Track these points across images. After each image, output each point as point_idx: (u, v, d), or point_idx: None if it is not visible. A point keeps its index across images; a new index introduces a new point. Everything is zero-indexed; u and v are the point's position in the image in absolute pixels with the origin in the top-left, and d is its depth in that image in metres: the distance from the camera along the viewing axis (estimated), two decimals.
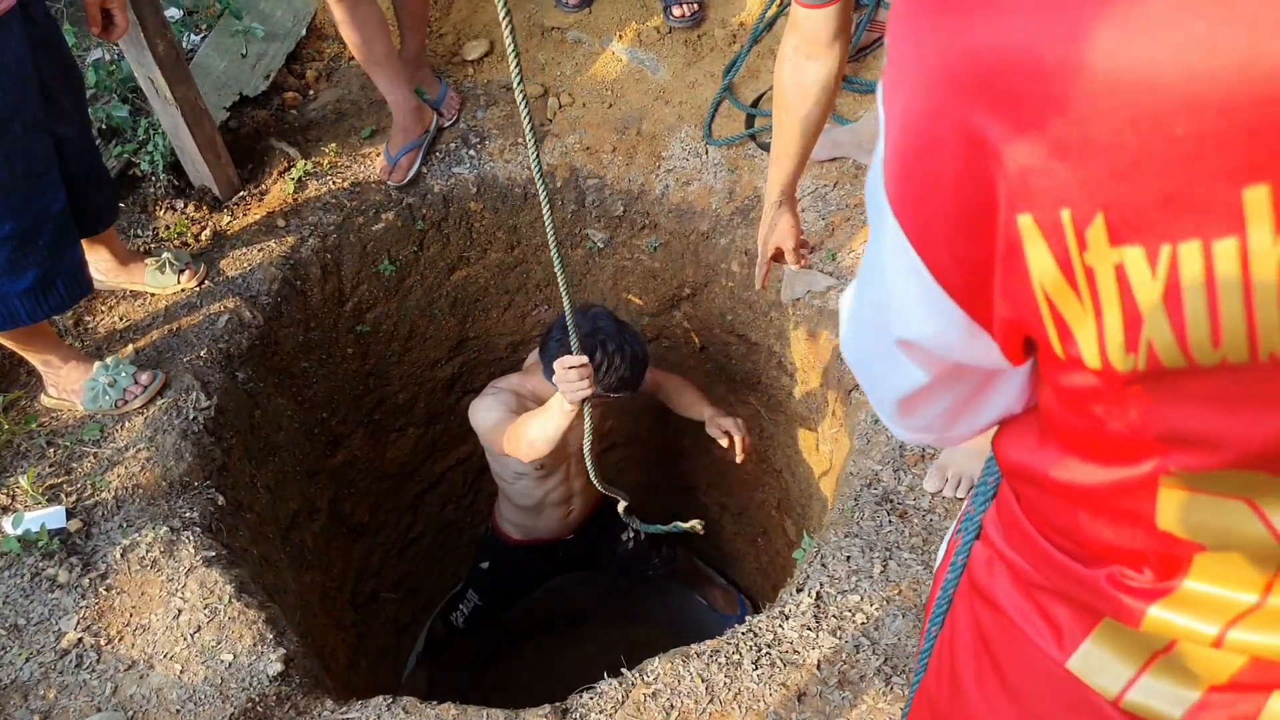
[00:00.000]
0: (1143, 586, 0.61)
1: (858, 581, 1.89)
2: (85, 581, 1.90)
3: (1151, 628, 0.62)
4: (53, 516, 1.98)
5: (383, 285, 2.85)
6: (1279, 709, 0.63)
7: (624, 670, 1.80)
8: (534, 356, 2.50)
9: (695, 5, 2.93)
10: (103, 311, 2.41)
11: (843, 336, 0.71)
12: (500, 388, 2.41)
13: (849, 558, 1.93)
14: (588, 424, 1.95)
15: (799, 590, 1.90)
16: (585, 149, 2.84)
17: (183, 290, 2.43)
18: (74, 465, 2.10)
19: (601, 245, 2.98)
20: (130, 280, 2.40)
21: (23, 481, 2.02)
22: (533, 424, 2.10)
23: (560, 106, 2.89)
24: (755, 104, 2.80)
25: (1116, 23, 0.41)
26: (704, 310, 3.03)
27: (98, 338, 2.36)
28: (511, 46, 1.09)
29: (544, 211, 1.34)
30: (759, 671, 1.76)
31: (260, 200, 2.67)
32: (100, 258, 2.32)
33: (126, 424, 2.17)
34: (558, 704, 1.77)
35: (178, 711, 1.74)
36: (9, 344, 2.10)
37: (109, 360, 2.18)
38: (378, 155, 2.76)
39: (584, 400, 1.91)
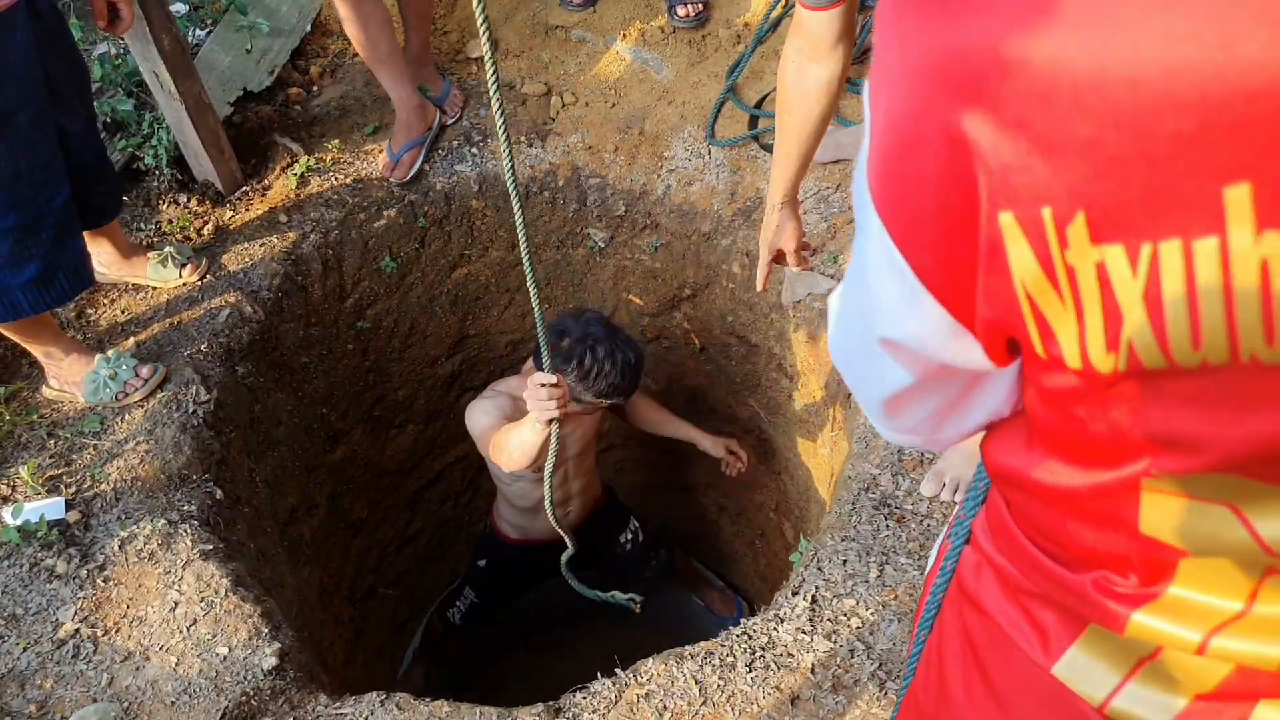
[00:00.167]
0: (1127, 592, 0.61)
1: (853, 586, 1.89)
2: (83, 573, 1.91)
3: (1135, 633, 0.62)
4: (52, 507, 1.99)
5: (384, 282, 2.85)
6: (1266, 717, 0.63)
7: (618, 670, 1.81)
8: (531, 361, 2.50)
9: (700, 5, 2.94)
10: (105, 304, 2.42)
11: (830, 337, 0.72)
12: (498, 391, 2.40)
13: (845, 562, 1.94)
14: (553, 446, 1.87)
15: (794, 593, 1.90)
16: (588, 148, 2.84)
17: (184, 284, 2.43)
18: (74, 457, 2.11)
19: (603, 245, 2.98)
20: (132, 274, 2.41)
21: (23, 472, 2.03)
22: (511, 436, 2.08)
23: (563, 105, 2.90)
24: (758, 105, 2.80)
25: (1098, 20, 0.42)
26: (704, 311, 3.03)
27: (99, 330, 2.36)
28: (488, 48, 1.09)
29: (517, 222, 1.32)
30: (753, 674, 1.77)
31: (263, 195, 2.67)
32: (103, 251, 2.33)
33: (126, 417, 2.18)
34: (551, 703, 1.77)
35: (172, 704, 1.74)
36: (11, 335, 2.10)
37: (110, 353, 2.18)
38: (380, 152, 2.76)
39: (552, 420, 1.85)
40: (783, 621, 1.85)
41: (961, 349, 0.58)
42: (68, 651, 1.81)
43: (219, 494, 2.13)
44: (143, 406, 2.19)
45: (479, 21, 1.03)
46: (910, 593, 1.89)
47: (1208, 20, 0.39)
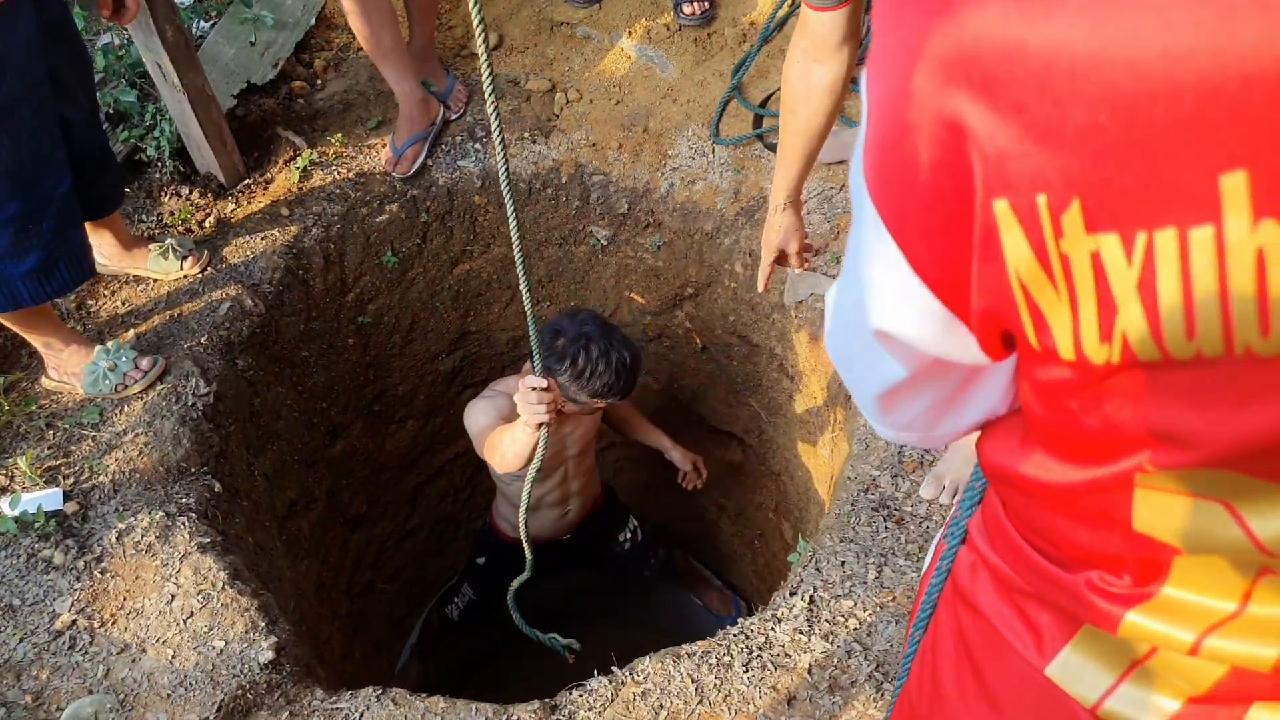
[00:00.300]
0: (1120, 592, 0.61)
1: (852, 587, 1.88)
2: (80, 564, 1.91)
3: (1129, 633, 0.61)
4: (50, 498, 1.98)
5: (385, 277, 2.85)
6: None
7: (614, 669, 1.80)
8: (529, 362, 2.50)
9: (706, 3, 2.93)
10: (105, 296, 2.41)
11: (826, 332, 0.71)
12: (497, 391, 2.39)
13: (844, 563, 1.93)
14: (540, 451, 1.85)
15: (792, 594, 1.90)
16: (591, 145, 2.83)
17: (185, 276, 2.43)
18: (72, 448, 2.11)
19: (605, 243, 2.98)
20: (133, 265, 2.41)
21: (21, 463, 2.03)
22: (505, 440, 2.07)
23: (567, 102, 2.89)
24: (763, 104, 2.80)
25: (1097, 4, 0.41)
26: (706, 311, 3.03)
27: (99, 321, 2.36)
28: (483, 47, 1.09)
29: (511, 226, 1.32)
30: (749, 674, 1.76)
31: (265, 188, 2.67)
32: (104, 242, 2.33)
33: (126, 408, 2.18)
34: (547, 700, 1.77)
35: (168, 696, 1.74)
36: (11, 325, 2.10)
37: (110, 344, 2.18)
38: (383, 146, 2.76)
39: (541, 425, 1.83)
40: (780, 622, 1.85)
41: (956, 342, 0.58)
42: (64, 643, 1.80)
43: (217, 487, 2.13)
44: (142, 398, 2.19)
45: (475, 20, 1.03)
46: (908, 594, 1.88)
47: (1207, 4, 0.39)
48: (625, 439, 2.95)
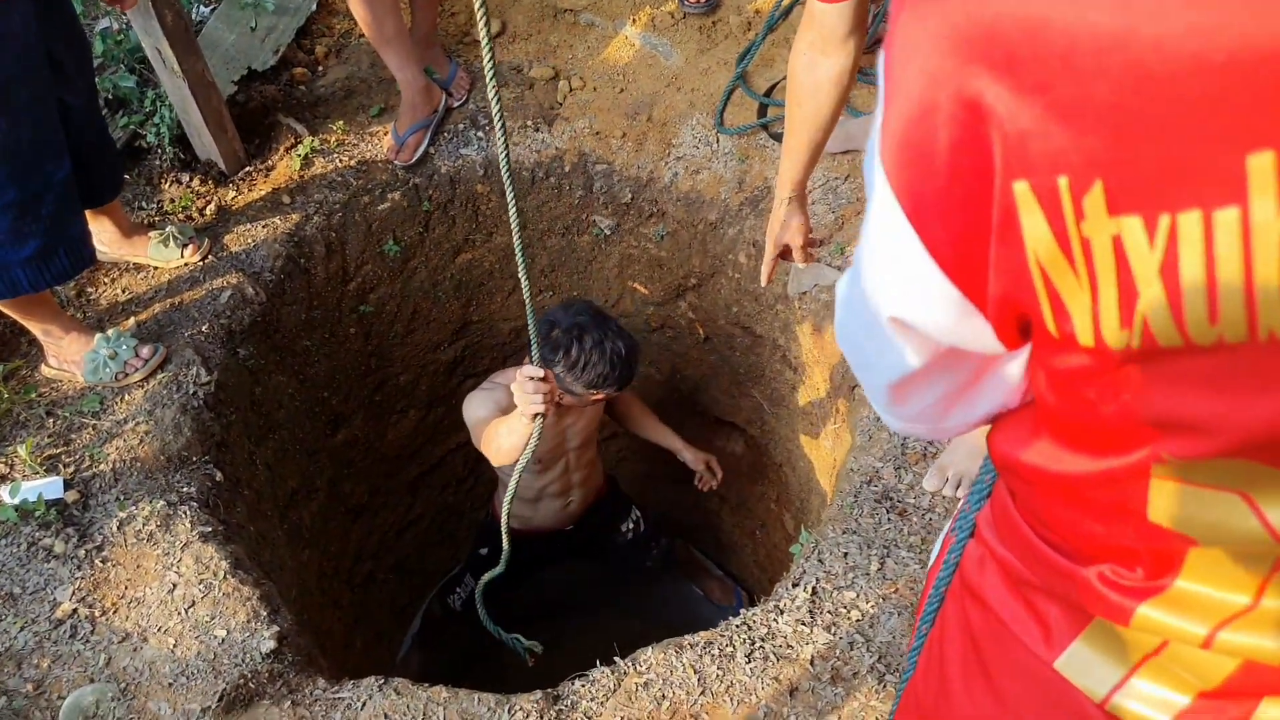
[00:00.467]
0: (1133, 585, 0.60)
1: (854, 578, 1.88)
2: (81, 553, 1.90)
3: (1141, 626, 0.61)
4: (50, 487, 1.98)
5: (387, 266, 2.84)
6: (1269, 715, 0.61)
7: (616, 659, 1.80)
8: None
9: None
10: (105, 283, 2.40)
11: (837, 320, 0.70)
12: (496, 383, 2.37)
13: (846, 554, 1.92)
14: (533, 443, 1.83)
15: (795, 585, 1.89)
16: (595, 134, 2.82)
17: (186, 264, 2.42)
18: (73, 436, 2.10)
19: (608, 232, 2.96)
20: (133, 253, 2.39)
21: (21, 451, 2.02)
22: (501, 431, 2.06)
23: (571, 90, 2.87)
24: (768, 93, 2.78)
25: None
26: (710, 301, 3.01)
27: (100, 309, 2.35)
28: (485, 34, 1.07)
29: (511, 216, 1.30)
30: (751, 665, 1.76)
31: (266, 176, 2.66)
32: (104, 229, 2.32)
33: (126, 397, 2.17)
34: (549, 690, 1.77)
35: (170, 685, 1.74)
36: (10, 313, 2.09)
37: (110, 332, 2.17)
38: (385, 134, 2.74)
39: (538, 415, 1.81)
40: (782, 613, 1.84)
41: (971, 330, 0.57)
42: (65, 631, 1.80)
43: (219, 476, 2.12)
44: (143, 387, 2.18)
45: (476, 6, 1.01)
46: (911, 586, 1.87)
47: None
48: (633, 435, 2.93)
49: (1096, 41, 0.41)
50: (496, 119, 1.18)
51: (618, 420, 2.86)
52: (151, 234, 2.39)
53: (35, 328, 2.13)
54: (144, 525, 1.96)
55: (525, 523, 2.85)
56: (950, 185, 0.50)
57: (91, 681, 1.74)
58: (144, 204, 2.55)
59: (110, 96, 2.51)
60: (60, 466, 2.04)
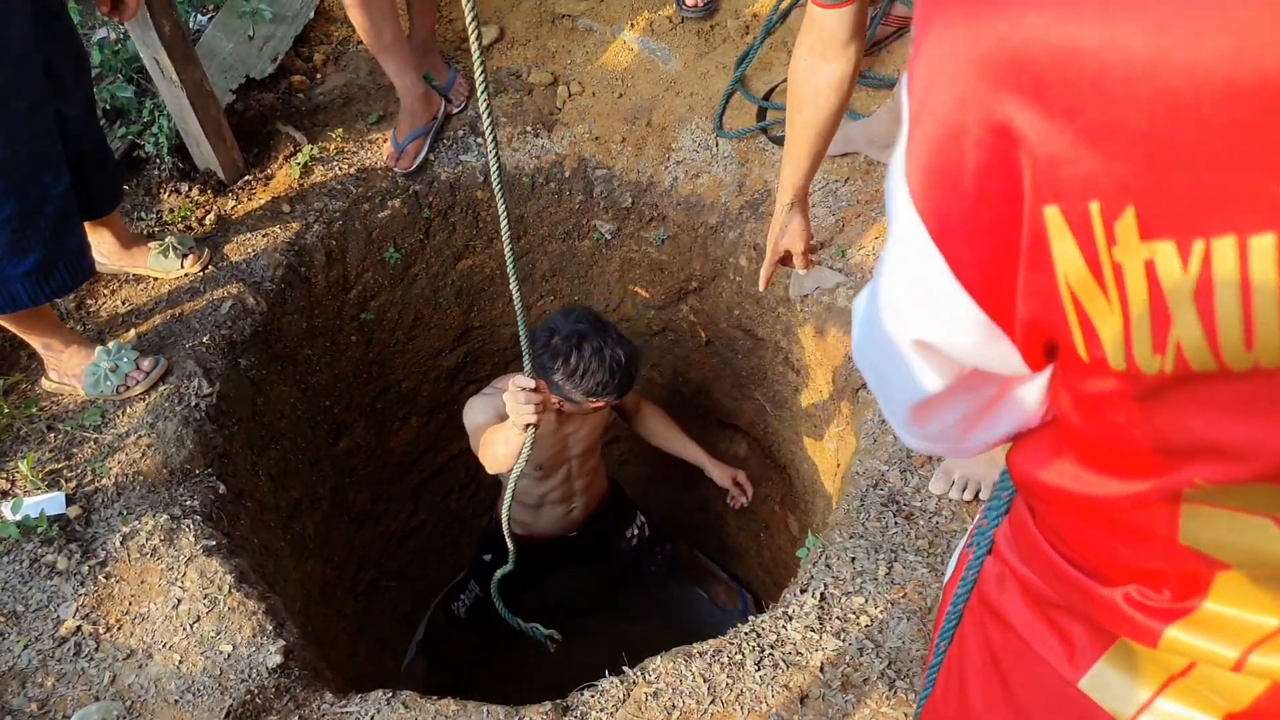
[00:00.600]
0: (1161, 606, 0.60)
1: (862, 583, 1.87)
2: (84, 569, 1.89)
3: (1169, 648, 0.60)
4: (52, 502, 1.97)
5: (387, 273, 2.83)
6: None
7: (625, 668, 1.79)
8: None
9: None
10: (105, 295, 2.39)
11: (855, 340, 0.69)
12: (497, 388, 2.36)
13: (854, 559, 1.92)
14: (525, 453, 1.84)
15: (803, 591, 1.88)
16: (594, 139, 2.81)
17: (186, 275, 2.41)
18: (74, 451, 2.09)
19: (609, 236, 2.95)
20: (133, 264, 2.38)
21: (22, 466, 2.01)
22: (497, 439, 2.05)
23: (570, 95, 2.86)
24: (767, 96, 2.77)
25: (1155, 4, 0.40)
26: (711, 304, 3.01)
27: (100, 321, 2.34)
28: (475, 38, 1.07)
29: (501, 218, 1.29)
30: (761, 672, 1.75)
31: (265, 185, 2.64)
32: (103, 240, 2.31)
33: (128, 410, 2.16)
34: (558, 701, 1.76)
35: (176, 702, 1.73)
36: (10, 327, 2.08)
37: (111, 345, 2.16)
38: (385, 141, 2.73)
39: (529, 426, 1.82)
40: (791, 619, 1.83)
41: (997, 352, 0.56)
42: (69, 649, 1.79)
43: (222, 488, 2.11)
44: (144, 399, 2.17)
45: (467, 12, 1.01)
46: (919, 591, 1.87)
47: (1271, 8, 0.37)
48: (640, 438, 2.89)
49: (1128, 67, 0.40)
50: (487, 126, 1.18)
51: (640, 433, 2.83)
52: (151, 245, 2.38)
53: (35, 341, 2.12)
54: (147, 540, 1.95)
55: (527, 529, 2.84)
56: (978, 209, 0.50)
57: (97, 700, 1.73)
58: (143, 214, 2.54)
59: (108, 106, 2.50)
60: (62, 481, 2.03)
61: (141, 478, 2.05)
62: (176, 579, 1.89)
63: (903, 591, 1.86)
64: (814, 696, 1.72)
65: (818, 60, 1.72)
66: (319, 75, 2.91)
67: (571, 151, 2.80)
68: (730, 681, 1.74)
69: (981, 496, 2.00)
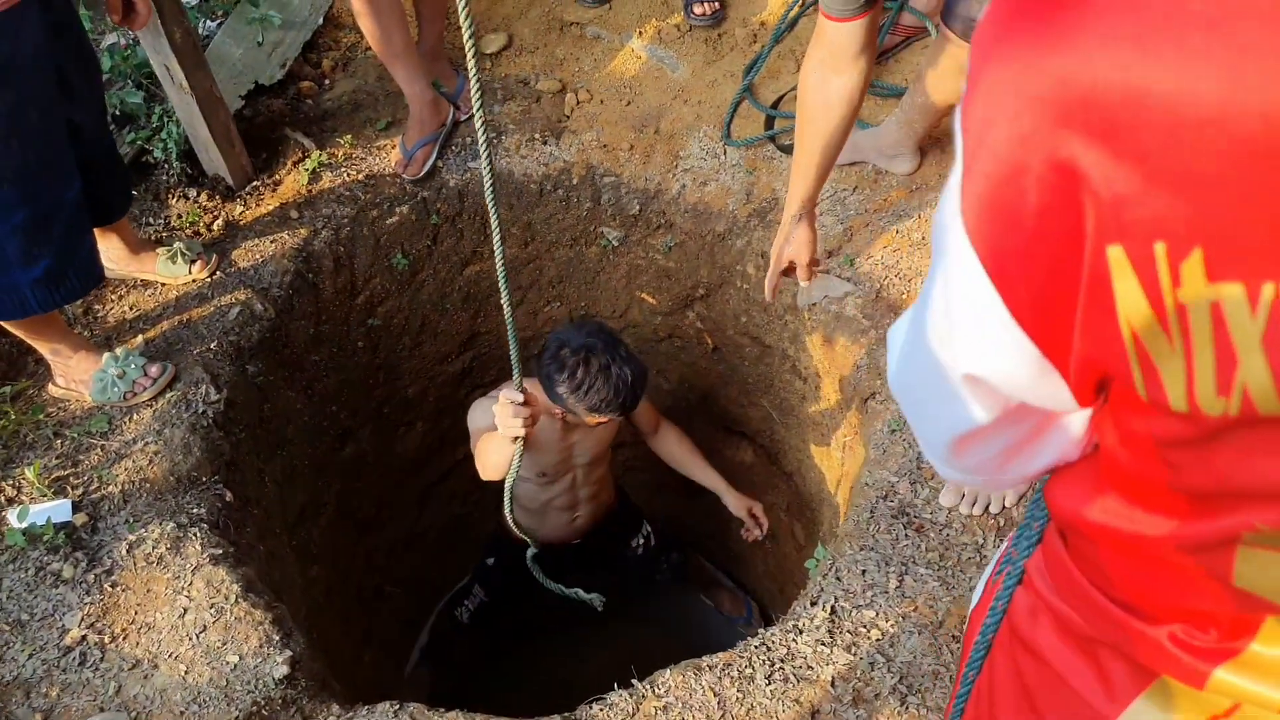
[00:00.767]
0: (1207, 646, 0.59)
1: (873, 596, 1.86)
2: (90, 577, 1.88)
3: (1216, 689, 0.59)
4: (58, 509, 1.96)
5: (395, 279, 2.82)
6: None
7: (634, 681, 1.78)
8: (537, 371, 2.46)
9: (716, 3, 2.90)
10: (113, 300, 2.38)
11: (894, 370, 0.69)
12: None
13: (864, 571, 1.91)
14: (516, 463, 1.85)
15: (813, 603, 1.87)
16: (602, 146, 2.80)
17: (194, 281, 2.40)
18: (81, 458, 2.08)
19: (616, 243, 2.95)
20: (141, 270, 2.37)
21: (29, 473, 2.00)
22: (490, 447, 2.04)
23: (578, 103, 2.86)
24: (775, 105, 2.76)
25: (1226, 51, 0.39)
26: (718, 311, 3.00)
27: (107, 327, 2.33)
28: (470, 46, 1.06)
29: (494, 235, 1.29)
30: (771, 687, 1.74)
31: (274, 191, 2.64)
32: (111, 246, 2.30)
33: (135, 416, 2.15)
34: (567, 715, 1.75)
35: (182, 714, 1.72)
36: (17, 332, 2.07)
37: (119, 351, 2.15)
38: (393, 148, 2.72)
39: (517, 438, 1.83)
40: (802, 633, 1.82)
41: (1048, 388, 0.56)
42: (74, 659, 1.78)
43: (228, 496, 2.10)
44: (151, 406, 2.16)
45: (463, 19, 1.00)
46: (930, 604, 1.86)
47: None
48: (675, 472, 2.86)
49: (1199, 111, 0.40)
50: (480, 133, 1.18)
51: (657, 453, 2.81)
52: (159, 250, 2.37)
53: (43, 347, 2.11)
54: (154, 548, 1.94)
55: (531, 534, 2.84)
56: (1037, 247, 0.49)
57: (101, 710, 1.72)
58: (151, 220, 2.53)
59: (117, 112, 2.50)
60: (68, 488, 2.02)
61: (148, 485, 2.04)
62: (183, 588, 1.89)
63: (914, 605, 1.85)
64: (825, 711, 1.71)
65: (828, 73, 1.72)
66: (327, 81, 2.91)
67: (579, 159, 2.79)
68: (740, 696, 1.73)
69: (992, 510, 1.99)
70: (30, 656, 1.78)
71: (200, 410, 2.18)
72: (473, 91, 1.14)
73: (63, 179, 1.88)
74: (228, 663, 1.78)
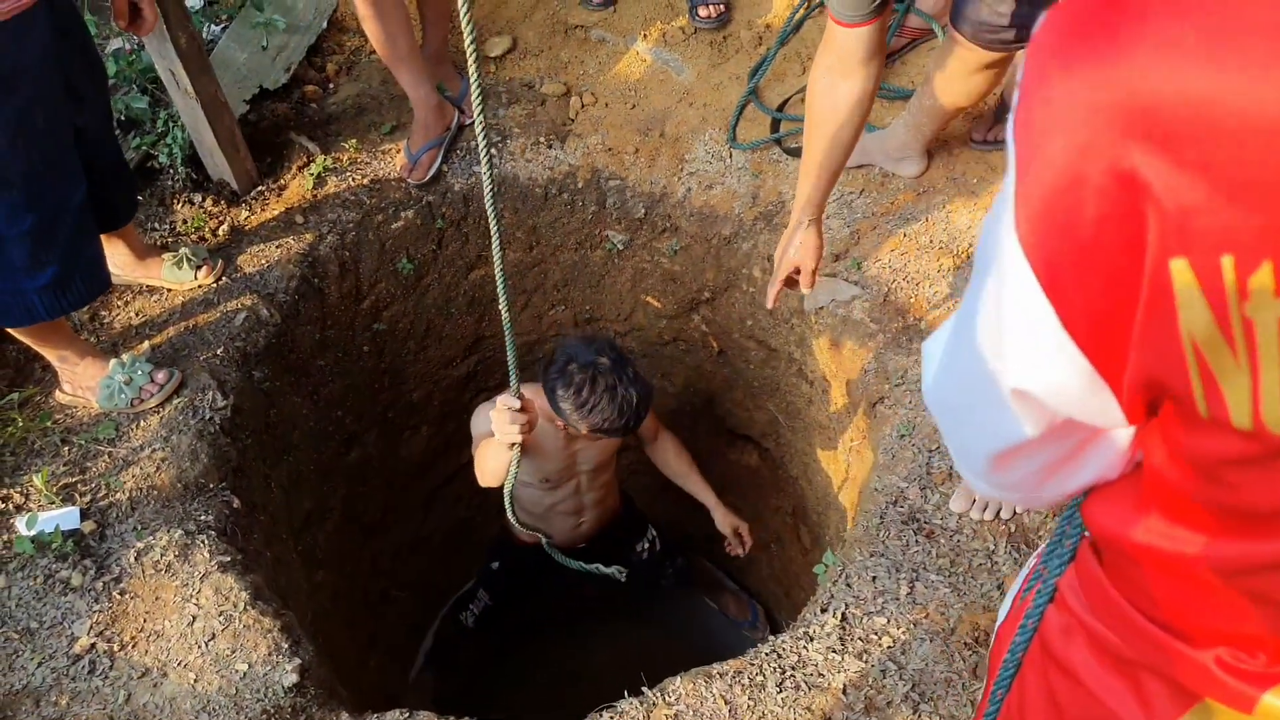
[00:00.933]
0: (1256, 670, 0.58)
1: (884, 603, 1.85)
2: (99, 585, 1.88)
3: (1266, 714, 0.58)
4: (66, 517, 1.95)
5: (400, 284, 2.81)
6: None
7: (645, 689, 1.77)
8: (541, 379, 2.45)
9: (721, 6, 2.89)
10: (119, 306, 2.38)
11: (931, 384, 0.68)
12: None
13: (874, 578, 1.90)
14: (513, 467, 1.87)
15: (823, 610, 1.87)
16: (607, 149, 2.79)
17: (200, 286, 2.39)
18: (88, 464, 2.07)
19: (621, 247, 2.94)
20: (147, 275, 2.37)
21: (37, 480, 1.99)
22: (487, 452, 2.03)
23: (583, 106, 2.85)
24: (781, 108, 2.76)
25: None
26: (723, 315, 2.99)
27: (113, 333, 2.32)
28: (472, 51, 1.06)
29: (493, 239, 1.29)
30: (783, 694, 1.73)
31: (279, 195, 2.63)
32: (117, 252, 2.29)
33: (142, 423, 2.14)
34: None
35: None
36: (25, 339, 2.07)
37: (125, 358, 2.14)
38: (398, 152, 2.72)
39: (513, 444, 1.84)
40: (812, 640, 1.82)
41: (1098, 404, 0.55)
42: (83, 667, 1.77)
43: (236, 503, 2.10)
44: (158, 413, 2.15)
45: (464, 23, 1.00)
46: (942, 611, 1.85)
47: None
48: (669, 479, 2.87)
49: (1267, 121, 0.39)
50: (481, 136, 1.18)
51: (653, 460, 2.80)
52: (165, 256, 2.37)
53: (50, 354, 2.10)
54: (162, 556, 1.93)
55: (535, 538, 2.83)
56: (1095, 259, 0.48)
57: (111, 719, 1.71)
58: (157, 225, 2.52)
59: (122, 117, 2.49)
60: (76, 496, 2.02)
61: (156, 492, 2.03)
62: (191, 595, 1.88)
63: (925, 612, 1.84)
64: (836, 719, 1.70)
65: (837, 78, 1.71)
66: (332, 85, 2.90)
67: (584, 162, 2.79)
68: (752, 704, 1.73)
69: (1003, 515, 1.98)
70: (39, 665, 1.78)
71: (207, 416, 2.17)
72: (473, 95, 1.14)
73: (68, 182, 1.87)
74: (237, 671, 1.77)
